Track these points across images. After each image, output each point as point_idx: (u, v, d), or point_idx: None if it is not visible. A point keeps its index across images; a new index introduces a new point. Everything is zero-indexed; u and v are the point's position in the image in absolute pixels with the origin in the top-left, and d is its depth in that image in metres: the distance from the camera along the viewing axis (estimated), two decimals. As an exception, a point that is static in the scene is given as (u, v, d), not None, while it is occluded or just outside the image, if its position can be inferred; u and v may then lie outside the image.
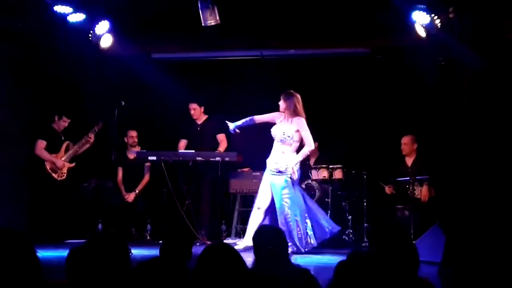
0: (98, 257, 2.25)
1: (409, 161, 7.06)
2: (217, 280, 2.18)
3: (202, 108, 7.50)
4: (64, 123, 7.32)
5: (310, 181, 7.28)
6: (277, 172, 6.07)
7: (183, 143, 7.55)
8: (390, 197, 7.05)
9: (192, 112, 7.46)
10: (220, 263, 2.22)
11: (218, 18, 6.35)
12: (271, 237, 3.08)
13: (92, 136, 7.36)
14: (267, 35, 7.30)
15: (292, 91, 6.23)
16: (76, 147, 7.35)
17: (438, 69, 6.29)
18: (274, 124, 6.27)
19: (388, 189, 7.05)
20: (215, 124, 7.49)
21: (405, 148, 7.03)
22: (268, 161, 6.18)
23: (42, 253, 2.16)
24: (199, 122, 7.53)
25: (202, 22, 6.39)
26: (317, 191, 7.17)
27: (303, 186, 7.25)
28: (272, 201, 6.12)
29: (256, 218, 6.12)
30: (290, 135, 6.08)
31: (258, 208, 6.15)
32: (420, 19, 6.28)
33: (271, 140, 6.23)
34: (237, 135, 6.55)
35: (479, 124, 5.38)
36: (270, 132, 6.24)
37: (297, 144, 6.15)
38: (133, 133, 7.82)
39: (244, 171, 7.50)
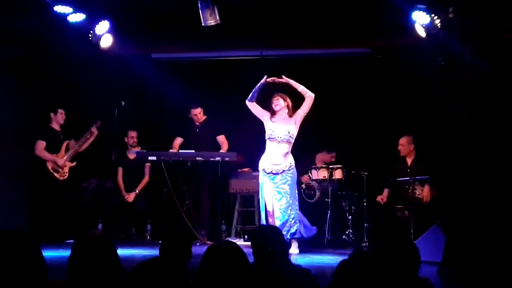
0: (86, 261, 2.24)
1: (408, 161, 7.05)
2: (223, 277, 2.18)
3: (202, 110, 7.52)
4: (61, 116, 7.30)
5: (310, 181, 7.27)
6: (281, 172, 5.98)
7: (178, 141, 7.53)
8: (389, 197, 7.04)
9: (194, 117, 7.46)
10: (226, 261, 2.22)
11: (218, 18, 6.34)
12: (270, 237, 3.08)
13: (95, 130, 7.37)
14: (267, 35, 7.30)
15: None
16: (76, 146, 7.35)
17: (438, 69, 6.28)
18: (258, 118, 6.21)
19: (380, 198, 7.01)
20: (214, 125, 7.48)
21: (402, 149, 7.02)
22: (264, 162, 6.04)
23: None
24: (198, 123, 7.52)
25: (202, 22, 6.38)
26: (317, 191, 7.16)
27: (303, 186, 7.25)
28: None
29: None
30: (294, 134, 6.06)
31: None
32: (420, 19, 6.27)
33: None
34: (236, 135, 6.53)
35: (479, 124, 5.36)
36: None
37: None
38: (133, 133, 7.81)
39: (244, 171, 7.50)
